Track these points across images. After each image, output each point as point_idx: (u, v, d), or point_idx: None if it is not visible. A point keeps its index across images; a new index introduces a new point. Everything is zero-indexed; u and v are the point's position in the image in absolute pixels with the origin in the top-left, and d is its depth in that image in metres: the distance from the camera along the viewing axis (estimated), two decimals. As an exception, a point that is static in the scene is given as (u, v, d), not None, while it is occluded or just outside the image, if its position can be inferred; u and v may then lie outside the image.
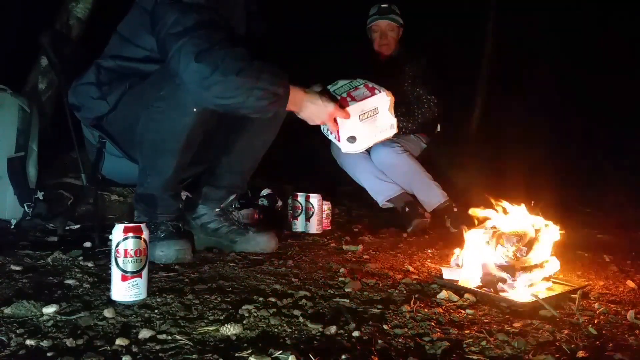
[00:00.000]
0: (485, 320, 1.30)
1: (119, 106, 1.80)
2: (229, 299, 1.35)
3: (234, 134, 1.96)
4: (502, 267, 1.50)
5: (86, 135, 1.98)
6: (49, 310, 1.17)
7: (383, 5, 3.17)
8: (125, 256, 1.28)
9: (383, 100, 1.85)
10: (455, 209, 2.80)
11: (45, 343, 1.00)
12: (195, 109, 1.67)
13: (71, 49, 2.19)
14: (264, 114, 1.68)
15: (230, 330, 1.11)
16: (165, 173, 1.76)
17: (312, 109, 1.75)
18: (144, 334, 1.08)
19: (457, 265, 1.67)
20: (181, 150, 1.74)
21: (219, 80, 1.55)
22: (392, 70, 3.18)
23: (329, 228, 2.62)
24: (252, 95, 1.59)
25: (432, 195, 2.83)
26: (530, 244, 1.54)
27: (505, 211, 1.66)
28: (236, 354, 1.00)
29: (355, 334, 1.15)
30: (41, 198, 2.35)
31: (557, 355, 1.07)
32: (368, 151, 2.97)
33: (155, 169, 1.76)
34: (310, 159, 3.60)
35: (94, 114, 1.86)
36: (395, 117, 3.06)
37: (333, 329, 1.16)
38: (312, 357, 1.01)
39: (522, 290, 1.45)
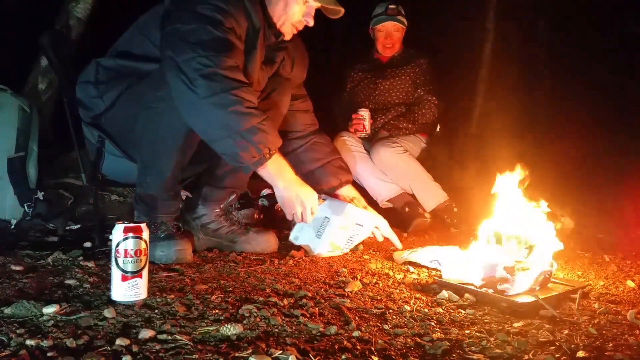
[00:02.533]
0: (486, 320, 1.30)
1: (116, 105, 1.80)
2: (229, 299, 1.35)
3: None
4: (502, 267, 1.50)
5: (86, 134, 1.98)
6: (49, 310, 1.17)
7: (391, 6, 3.16)
8: (126, 256, 1.28)
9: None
10: (455, 209, 2.80)
11: (45, 343, 1.00)
12: None
13: (71, 49, 2.19)
14: (233, 162, 1.62)
15: (230, 330, 1.11)
16: (164, 173, 1.75)
17: (296, 192, 1.72)
18: (144, 334, 1.07)
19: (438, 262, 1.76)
20: (180, 150, 1.74)
21: (208, 106, 1.53)
22: (393, 71, 3.19)
23: (329, 228, 2.61)
24: (231, 138, 1.55)
25: (432, 195, 2.83)
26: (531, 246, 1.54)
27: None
28: (236, 354, 1.00)
29: (356, 333, 1.15)
30: (41, 198, 2.35)
31: (557, 355, 1.07)
32: (368, 151, 2.97)
33: (154, 169, 1.76)
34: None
35: (91, 113, 1.86)
36: (395, 117, 3.09)
37: (333, 329, 1.16)
38: (312, 357, 1.01)
39: (522, 290, 1.45)
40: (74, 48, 2.26)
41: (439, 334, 1.18)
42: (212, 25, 1.58)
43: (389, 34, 3.17)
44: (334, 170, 2.11)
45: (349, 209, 1.97)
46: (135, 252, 1.29)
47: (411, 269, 1.83)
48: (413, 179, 2.87)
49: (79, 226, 2.31)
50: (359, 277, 1.67)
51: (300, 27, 1.86)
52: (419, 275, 1.75)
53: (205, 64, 1.52)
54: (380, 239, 2.04)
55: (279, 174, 1.67)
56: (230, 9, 1.63)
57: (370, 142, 3.02)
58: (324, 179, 2.09)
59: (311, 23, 1.83)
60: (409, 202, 2.81)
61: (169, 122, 1.68)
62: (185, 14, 1.61)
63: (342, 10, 1.83)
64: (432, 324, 1.25)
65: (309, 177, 2.03)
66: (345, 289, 1.51)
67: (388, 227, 2.04)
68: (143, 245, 1.30)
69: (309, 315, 1.26)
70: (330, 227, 1.92)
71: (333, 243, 1.92)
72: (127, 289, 1.28)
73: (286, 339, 1.10)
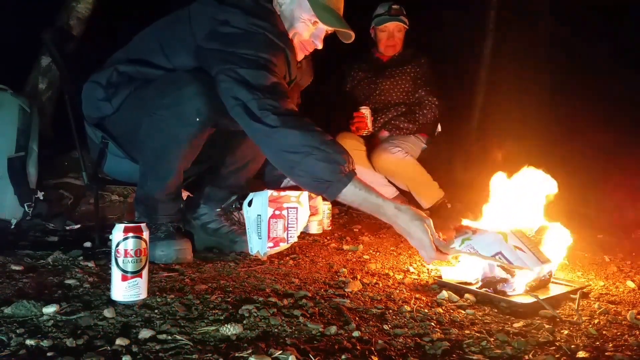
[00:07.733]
0: (486, 321, 1.30)
1: (121, 108, 1.79)
2: (229, 299, 1.35)
3: (237, 136, 1.95)
4: (502, 267, 1.50)
5: (89, 133, 1.98)
6: (49, 310, 1.17)
7: (394, 7, 3.16)
8: (126, 256, 1.28)
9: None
10: (448, 205, 2.82)
11: (45, 343, 1.00)
12: (198, 119, 1.66)
13: (73, 46, 2.18)
14: (316, 184, 1.51)
15: (230, 330, 1.11)
16: (165, 178, 1.75)
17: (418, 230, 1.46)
18: (144, 334, 1.08)
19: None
20: (182, 157, 1.74)
21: (281, 132, 1.52)
22: (393, 70, 3.19)
23: (329, 228, 2.62)
24: (312, 154, 1.49)
25: (429, 194, 2.84)
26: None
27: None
28: (236, 354, 1.00)
29: (355, 334, 1.15)
30: (41, 198, 2.35)
31: (557, 355, 1.07)
32: (367, 151, 2.98)
33: (155, 173, 1.76)
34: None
35: (97, 114, 1.86)
36: (396, 116, 3.09)
37: (333, 329, 1.16)
38: (312, 357, 1.01)
39: (522, 290, 1.45)
40: (76, 45, 2.25)
41: (438, 334, 1.18)
42: (268, 72, 1.61)
43: (392, 34, 3.18)
44: None
45: (270, 195, 1.83)
46: (135, 252, 1.29)
47: (411, 269, 1.83)
48: (412, 179, 2.89)
49: (79, 226, 2.31)
50: (359, 277, 1.67)
51: (310, 49, 1.84)
52: (419, 276, 1.75)
53: (272, 104, 1.54)
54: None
55: (373, 196, 1.52)
56: (273, 59, 1.65)
57: (370, 141, 3.03)
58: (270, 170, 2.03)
59: (320, 46, 1.82)
60: (403, 202, 2.82)
61: (172, 130, 1.67)
62: (238, 58, 1.60)
63: (353, 35, 1.82)
64: (432, 324, 1.25)
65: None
66: (345, 289, 1.51)
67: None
68: (143, 245, 1.30)
69: (309, 315, 1.26)
70: (264, 222, 1.81)
71: (273, 238, 1.83)
72: (127, 289, 1.28)
73: (286, 339, 1.10)
